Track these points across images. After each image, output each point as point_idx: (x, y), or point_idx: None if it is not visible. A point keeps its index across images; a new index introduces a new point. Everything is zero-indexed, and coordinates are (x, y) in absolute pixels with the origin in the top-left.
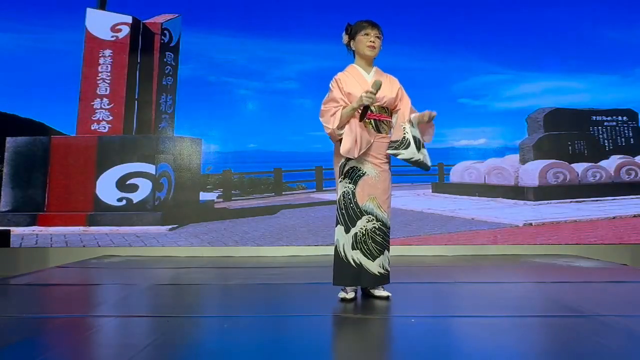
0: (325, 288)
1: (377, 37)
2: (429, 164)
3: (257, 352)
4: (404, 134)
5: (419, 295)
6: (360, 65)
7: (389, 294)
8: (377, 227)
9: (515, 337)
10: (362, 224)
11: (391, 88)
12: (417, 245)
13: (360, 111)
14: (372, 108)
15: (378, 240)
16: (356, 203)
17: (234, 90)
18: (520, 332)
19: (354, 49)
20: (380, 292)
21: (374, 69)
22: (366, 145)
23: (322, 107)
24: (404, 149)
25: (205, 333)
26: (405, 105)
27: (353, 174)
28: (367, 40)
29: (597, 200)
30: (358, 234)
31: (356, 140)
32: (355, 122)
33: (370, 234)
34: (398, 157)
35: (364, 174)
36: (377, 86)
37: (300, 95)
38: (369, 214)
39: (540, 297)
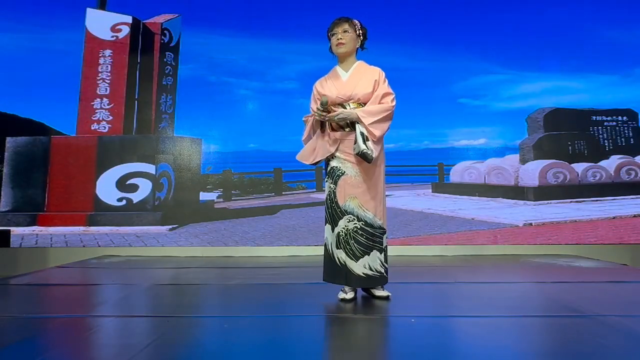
0: (325, 288)
1: (345, 32)
2: (373, 155)
3: (257, 352)
4: (357, 126)
5: (419, 295)
6: (339, 65)
7: (389, 294)
8: (359, 227)
9: (515, 337)
10: (343, 223)
11: (366, 83)
12: (417, 245)
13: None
14: (347, 106)
15: (361, 241)
16: (337, 203)
17: (234, 90)
18: (520, 332)
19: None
20: (380, 292)
21: (357, 64)
22: (322, 156)
23: (304, 117)
24: (354, 142)
25: (205, 333)
26: (374, 96)
27: (333, 174)
28: (335, 40)
29: (597, 200)
30: (341, 233)
31: (314, 149)
32: (317, 133)
33: (351, 234)
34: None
35: (343, 174)
36: (323, 104)
37: (300, 95)
38: (349, 214)
39: (540, 297)
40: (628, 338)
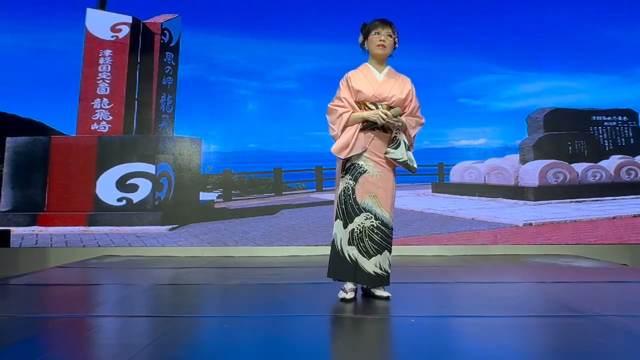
0: (325, 288)
1: (389, 35)
2: (415, 166)
3: (257, 352)
4: (396, 134)
5: (419, 295)
6: (372, 64)
7: (389, 294)
8: (375, 225)
9: (515, 337)
10: (360, 220)
11: (402, 89)
12: (417, 245)
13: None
14: (380, 106)
15: (375, 239)
16: (355, 199)
17: (234, 90)
18: (520, 332)
19: (367, 48)
20: (380, 292)
21: (387, 68)
22: (359, 150)
23: (330, 105)
24: (394, 148)
25: (205, 333)
26: (410, 109)
27: (354, 171)
28: (378, 40)
29: (597, 200)
30: (355, 230)
31: (348, 145)
32: (357, 126)
33: (367, 231)
34: (387, 155)
35: (364, 172)
36: (397, 114)
37: (300, 95)
38: (368, 212)
39: (540, 297)
40: (628, 338)
